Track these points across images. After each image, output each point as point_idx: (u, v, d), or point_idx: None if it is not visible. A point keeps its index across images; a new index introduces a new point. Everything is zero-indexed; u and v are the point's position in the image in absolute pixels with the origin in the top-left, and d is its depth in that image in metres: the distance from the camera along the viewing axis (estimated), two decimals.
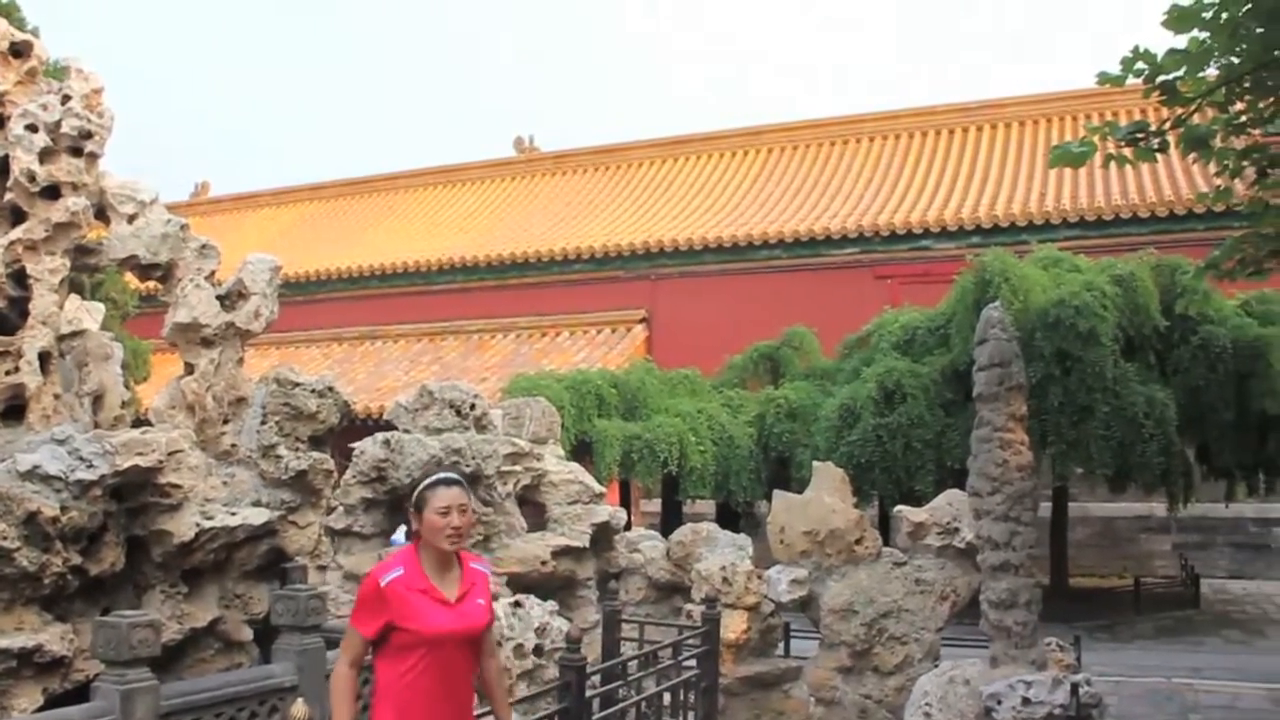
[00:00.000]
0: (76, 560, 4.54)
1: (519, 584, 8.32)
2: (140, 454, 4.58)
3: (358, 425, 13.13)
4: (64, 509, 4.37)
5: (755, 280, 25.96)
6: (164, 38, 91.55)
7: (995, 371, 8.42)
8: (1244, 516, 22.00)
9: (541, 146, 36.97)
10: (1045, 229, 22.96)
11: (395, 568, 4.07)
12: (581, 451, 16.20)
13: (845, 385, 17.41)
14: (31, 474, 4.39)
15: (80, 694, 4.53)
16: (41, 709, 4.47)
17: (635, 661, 7.55)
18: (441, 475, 4.26)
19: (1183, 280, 10.19)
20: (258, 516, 5.24)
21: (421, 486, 4.18)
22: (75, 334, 5.79)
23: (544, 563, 8.67)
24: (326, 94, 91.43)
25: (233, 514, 5.14)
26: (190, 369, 5.96)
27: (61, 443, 4.50)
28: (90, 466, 4.44)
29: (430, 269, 29.42)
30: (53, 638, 4.49)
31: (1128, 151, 8.05)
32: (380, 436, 8.20)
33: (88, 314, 6.24)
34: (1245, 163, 8.57)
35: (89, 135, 5.64)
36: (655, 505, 20.28)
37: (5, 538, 4.25)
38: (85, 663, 4.62)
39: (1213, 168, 8.58)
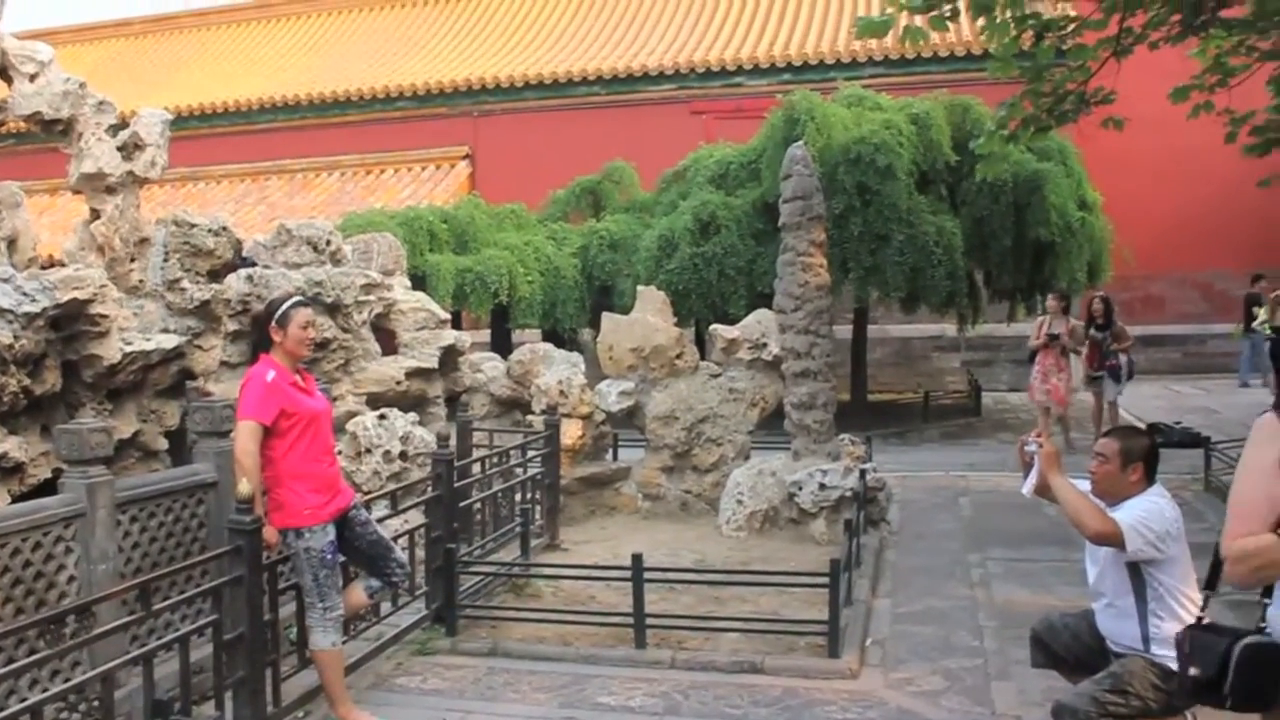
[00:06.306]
0: (26, 382, 5.23)
1: (376, 402, 9.11)
2: (77, 288, 5.27)
3: None
4: (16, 338, 5.06)
5: (576, 116, 26.43)
6: None
7: (798, 204, 9.53)
8: (1023, 335, 23.95)
9: None
10: (851, 67, 24.08)
11: (269, 370, 5.12)
12: (416, 285, 16.80)
13: (663, 217, 18.10)
14: None
15: (35, 494, 5.32)
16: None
17: (490, 461, 8.61)
18: (299, 298, 5.39)
19: (978, 148, 11.14)
20: (169, 341, 5.98)
21: (287, 306, 5.23)
22: None
23: (398, 383, 9.44)
24: None
25: (148, 339, 5.87)
26: (96, 214, 6.57)
27: (6, 281, 5.16)
28: (34, 300, 5.11)
29: (251, 108, 28.86)
30: (13, 446, 5.20)
31: (921, 21, 8.98)
32: (243, 272, 8.74)
33: None
34: (1022, 29, 9.61)
35: None
36: (484, 335, 21.10)
37: None
38: (36, 469, 5.39)
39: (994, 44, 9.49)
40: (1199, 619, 3.49)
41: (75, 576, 4.79)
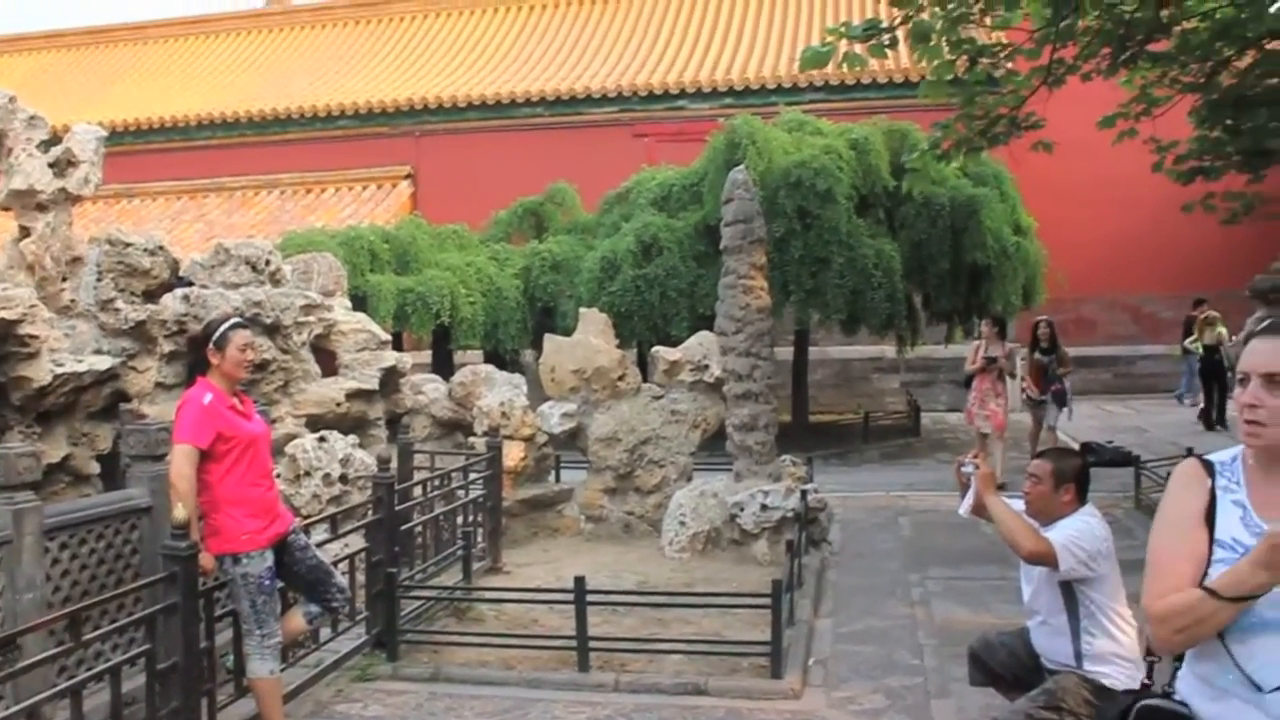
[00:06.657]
0: None
1: (316, 424, 9.02)
2: (4, 308, 5.19)
3: None
4: None
5: (519, 137, 26.46)
6: None
7: (739, 227, 9.61)
8: (961, 356, 24.28)
9: None
10: (792, 92, 24.31)
11: (206, 393, 5.05)
12: (357, 305, 16.68)
13: (606, 239, 18.20)
14: None
15: None
16: None
17: (431, 484, 8.55)
18: (238, 319, 5.32)
19: (909, 163, 11.30)
20: (102, 363, 5.89)
21: (225, 327, 5.16)
22: None
23: (338, 404, 9.36)
24: None
25: (80, 361, 5.78)
26: (26, 232, 6.45)
27: None
28: None
29: (189, 124, 28.56)
30: None
31: (861, 49, 9.10)
32: (179, 292, 8.64)
33: None
34: (958, 54, 9.77)
35: None
36: (425, 356, 20.98)
37: None
38: None
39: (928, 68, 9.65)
40: (1144, 684, 3.44)
41: None
